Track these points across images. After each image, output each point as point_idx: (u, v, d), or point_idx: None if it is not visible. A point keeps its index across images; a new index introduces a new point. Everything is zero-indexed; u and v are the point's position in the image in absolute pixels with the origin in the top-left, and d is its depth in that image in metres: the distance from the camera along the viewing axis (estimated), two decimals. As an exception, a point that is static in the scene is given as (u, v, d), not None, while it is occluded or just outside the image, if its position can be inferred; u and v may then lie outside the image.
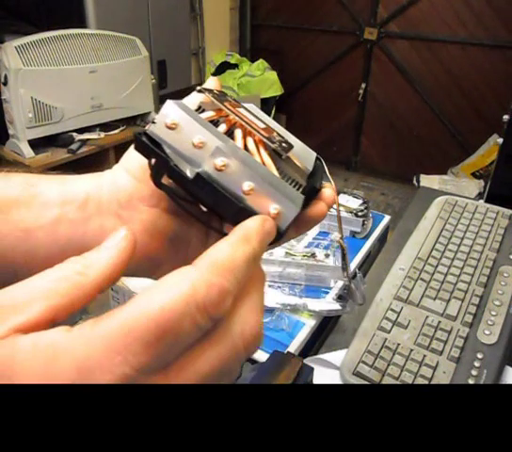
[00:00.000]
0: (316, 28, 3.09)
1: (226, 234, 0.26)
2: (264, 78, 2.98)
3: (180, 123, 0.23)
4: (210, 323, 0.18)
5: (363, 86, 3.07)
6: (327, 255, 0.99)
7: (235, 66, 3.04)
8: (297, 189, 0.26)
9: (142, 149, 0.24)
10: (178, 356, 0.17)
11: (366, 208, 1.10)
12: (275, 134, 0.28)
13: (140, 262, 0.26)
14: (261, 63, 3.02)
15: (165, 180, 0.24)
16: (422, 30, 2.78)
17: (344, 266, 0.34)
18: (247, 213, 0.23)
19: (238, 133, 0.26)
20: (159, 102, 2.36)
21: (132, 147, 0.27)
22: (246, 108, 0.28)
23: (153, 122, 0.23)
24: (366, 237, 1.10)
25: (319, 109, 3.30)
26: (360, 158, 3.31)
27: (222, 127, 0.26)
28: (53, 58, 1.79)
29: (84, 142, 1.96)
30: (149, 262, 0.27)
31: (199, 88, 0.27)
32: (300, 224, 0.27)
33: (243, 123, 0.25)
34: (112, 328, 0.16)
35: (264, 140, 0.25)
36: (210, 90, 0.27)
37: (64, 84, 1.84)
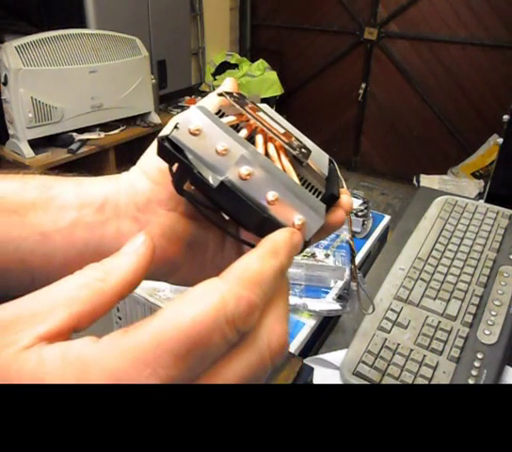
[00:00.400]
0: (316, 28, 3.09)
1: (243, 241, 0.26)
2: (264, 78, 2.98)
3: (203, 129, 0.22)
4: (237, 336, 0.18)
5: (363, 86, 3.07)
6: (327, 255, 0.99)
7: (235, 66, 3.04)
8: (317, 197, 0.26)
9: (164, 154, 0.23)
10: (206, 368, 0.17)
11: (366, 208, 1.10)
12: (293, 139, 0.27)
13: (157, 266, 0.26)
14: (261, 63, 3.02)
15: (185, 186, 0.24)
16: (422, 30, 2.78)
17: (352, 268, 0.34)
18: (270, 223, 0.22)
19: (259, 139, 0.25)
20: (159, 102, 2.36)
21: (149, 149, 0.26)
22: (264, 111, 0.28)
23: (176, 127, 0.23)
24: (366, 237, 1.10)
25: (319, 109, 3.30)
26: (360, 158, 3.31)
27: (243, 132, 0.25)
28: (53, 58, 1.79)
29: (84, 142, 1.96)
30: (166, 266, 0.27)
31: (219, 91, 0.26)
32: (319, 232, 0.27)
33: (264, 129, 0.25)
34: (142, 339, 0.16)
35: (286, 147, 0.25)
36: (230, 94, 0.26)
37: (64, 84, 1.84)
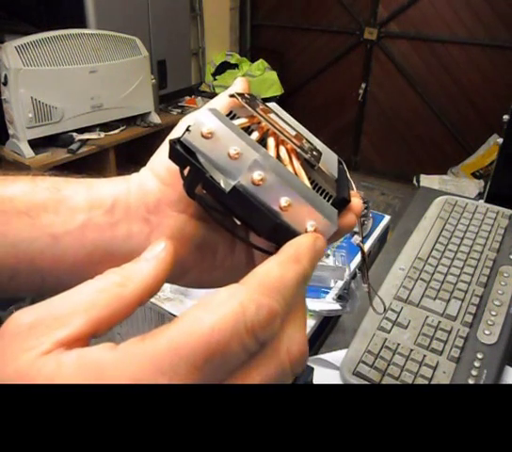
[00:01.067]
0: (316, 28, 3.09)
1: (254, 246, 0.25)
2: (263, 78, 2.98)
3: (216, 133, 0.22)
4: (257, 345, 0.17)
5: (363, 86, 3.07)
6: (327, 255, 0.99)
7: (235, 66, 3.04)
8: (328, 201, 0.26)
9: (176, 157, 0.23)
10: (224, 377, 0.17)
11: (366, 208, 1.10)
12: (304, 141, 0.27)
13: None
14: (261, 63, 3.02)
15: (197, 189, 0.24)
16: (422, 30, 2.78)
17: (363, 270, 0.34)
18: (282, 229, 0.22)
19: (271, 142, 0.25)
20: (159, 102, 2.36)
21: (159, 150, 0.26)
22: (275, 112, 0.28)
23: (188, 130, 0.23)
24: (366, 237, 1.10)
25: (319, 109, 3.30)
26: (360, 158, 3.31)
27: (255, 135, 0.25)
28: (53, 58, 1.79)
29: (84, 142, 1.96)
30: (175, 268, 0.26)
31: (231, 92, 0.26)
32: (331, 236, 0.27)
33: (276, 131, 0.25)
34: (159, 347, 0.16)
35: (298, 150, 0.25)
36: (242, 95, 0.26)
37: (64, 84, 1.83)
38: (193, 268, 0.27)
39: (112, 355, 0.16)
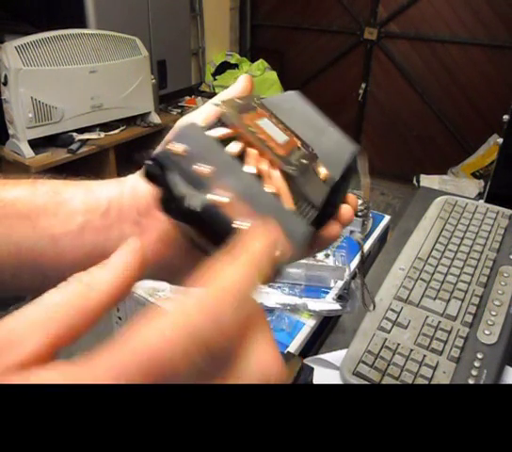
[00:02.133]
0: (316, 28, 3.10)
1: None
2: (263, 78, 2.98)
3: (190, 150, 0.22)
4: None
5: (363, 86, 3.07)
6: (327, 255, 0.99)
7: (235, 66, 3.05)
8: (310, 214, 0.25)
9: (150, 177, 0.23)
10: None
11: (366, 208, 1.10)
12: (297, 146, 0.26)
13: (156, 270, 0.26)
14: (261, 63, 3.02)
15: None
16: (422, 30, 2.78)
17: (360, 267, 0.34)
18: None
19: (252, 155, 0.25)
20: (159, 102, 2.36)
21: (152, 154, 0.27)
22: (272, 113, 0.27)
23: (165, 147, 0.23)
24: (366, 237, 1.10)
25: (319, 109, 3.30)
26: (361, 158, 3.31)
27: (237, 146, 0.24)
28: (53, 58, 1.79)
29: (84, 142, 1.96)
30: (165, 269, 0.27)
31: (216, 102, 0.26)
32: (313, 245, 0.27)
33: (256, 144, 0.24)
34: (98, 367, 0.15)
35: (278, 163, 0.24)
36: (229, 102, 0.26)
37: (64, 84, 1.84)
38: (183, 269, 0.27)
39: (57, 375, 0.15)
